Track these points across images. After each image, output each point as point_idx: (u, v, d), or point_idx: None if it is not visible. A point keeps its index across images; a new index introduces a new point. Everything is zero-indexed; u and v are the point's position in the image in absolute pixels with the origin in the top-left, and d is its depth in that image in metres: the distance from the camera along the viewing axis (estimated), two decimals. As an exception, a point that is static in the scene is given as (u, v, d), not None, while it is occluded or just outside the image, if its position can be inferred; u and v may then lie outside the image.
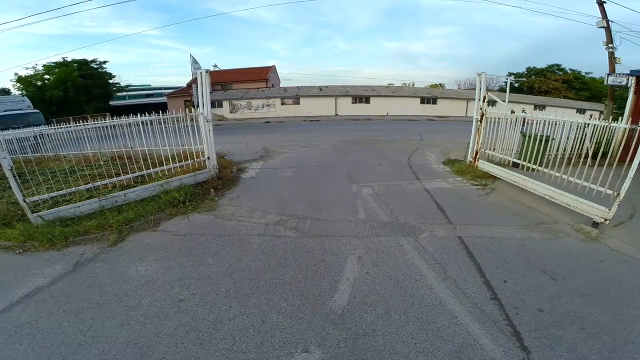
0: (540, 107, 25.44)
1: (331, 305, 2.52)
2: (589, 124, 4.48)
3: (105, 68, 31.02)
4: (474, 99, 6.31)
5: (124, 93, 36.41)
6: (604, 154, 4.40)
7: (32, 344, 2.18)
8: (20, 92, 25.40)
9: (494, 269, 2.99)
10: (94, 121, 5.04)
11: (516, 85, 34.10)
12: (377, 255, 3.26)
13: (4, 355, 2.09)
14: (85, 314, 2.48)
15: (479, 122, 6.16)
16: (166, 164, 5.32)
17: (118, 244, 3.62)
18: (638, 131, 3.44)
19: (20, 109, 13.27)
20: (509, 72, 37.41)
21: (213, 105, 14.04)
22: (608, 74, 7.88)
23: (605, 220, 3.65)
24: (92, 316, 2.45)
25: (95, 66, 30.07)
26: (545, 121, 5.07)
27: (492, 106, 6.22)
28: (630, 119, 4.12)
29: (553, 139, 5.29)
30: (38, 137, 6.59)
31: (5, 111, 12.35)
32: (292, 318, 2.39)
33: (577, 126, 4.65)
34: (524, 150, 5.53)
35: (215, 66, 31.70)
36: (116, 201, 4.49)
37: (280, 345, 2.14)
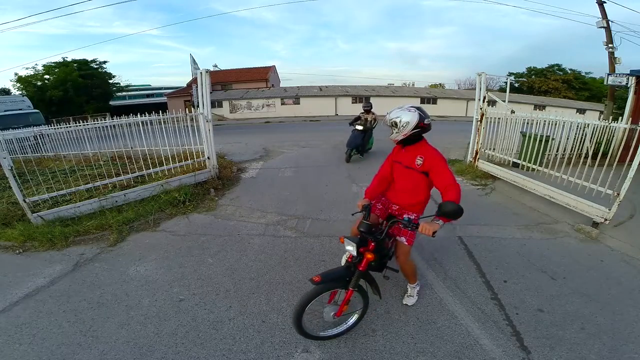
0: (540, 107, 25.45)
1: (331, 305, 2.51)
2: (589, 124, 4.48)
3: (105, 68, 31.06)
4: (474, 99, 6.31)
5: (124, 93, 36.42)
6: (604, 154, 4.40)
7: (32, 344, 2.18)
8: (20, 92, 25.42)
9: (494, 269, 2.99)
10: (94, 121, 5.04)
11: (516, 85, 34.10)
12: (377, 255, 3.26)
13: (4, 355, 2.09)
14: (85, 314, 2.48)
15: (479, 122, 6.16)
16: (166, 164, 5.32)
17: (118, 244, 3.62)
18: (638, 131, 3.44)
19: (20, 109, 13.27)
20: (509, 72, 37.45)
21: (213, 105, 14.07)
22: (608, 74, 7.89)
23: (605, 220, 3.65)
24: (92, 316, 2.45)
25: (95, 66, 30.08)
26: (545, 121, 5.06)
27: (492, 106, 6.21)
28: (630, 119, 4.12)
29: (553, 139, 5.29)
30: (38, 137, 6.57)
31: (5, 111, 12.35)
32: (292, 318, 2.38)
33: (577, 126, 4.65)
34: (524, 150, 5.53)
35: (215, 66, 31.71)
36: (116, 201, 4.49)
37: (281, 345, 2.14)
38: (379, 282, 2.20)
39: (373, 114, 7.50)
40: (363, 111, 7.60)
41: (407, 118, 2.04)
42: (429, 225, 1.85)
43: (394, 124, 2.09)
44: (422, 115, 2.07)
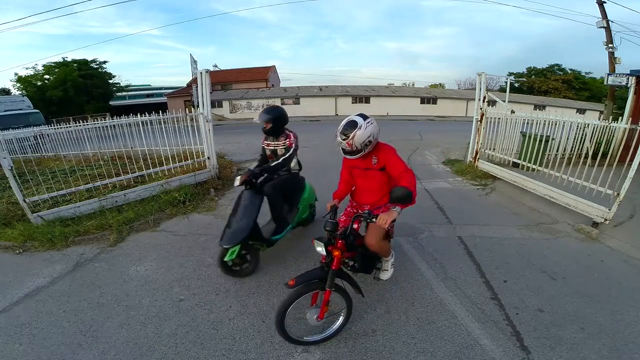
0: (540, 107, 25.47)
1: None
2: (589, 124, 4.48)
3: (105, 68, 31.14)
4: (474, 99, 6.31)
5: (124, 93, 36.47)
6: (604, 154, 4.40)
7: (32, 344, 2.18)
8: (20, 92, 25.44)
9: (494, 269, 2.99)
10: (94, 121, 5.04)
11: (516, 85, 34.15)
12: (377, 255, 3.25)
13: (4, 355, 2.09)
14: (85, 314, 2.48)
15: (479, 122, 6.16)
16: (166, 164, 5.32)
17: (118, 244, 3.62)
18: (638, 131, 3.44)
19: (20, 109, 13.28)
20: (509, 72, 37.55)
21: (213, 105, 14.05)
22: (608, 74, 7.89)
23: (605, 220, 3.65)
24: (92, 316, 2.45)
25: (95, 66, 30.14)
26: (545, 121, 5.06)
27: (492, 106, 6.21)
28: (630, 119, 4.12)
29: (553, 139, 5.29)
30: (38, 137, 6.59)
31: (5, 111, 12.36)
32: (292, 318, 2.38)
33: (577, 126, 4.65)
34: (524, 150, 5.53)
35: (215, 66, 31.69)
36: (116, 201, 4.49)
37: (280, 345, 2.13)
38: (374, 283, 2.19)
39: (289, 135, 3.18)
40: (263, 127, 3.09)
41: (371, 129, 2.09)
42: (385, 216, 1.86)
43: (367, 144, 2.09)
44: (368, 119, 2.12)
